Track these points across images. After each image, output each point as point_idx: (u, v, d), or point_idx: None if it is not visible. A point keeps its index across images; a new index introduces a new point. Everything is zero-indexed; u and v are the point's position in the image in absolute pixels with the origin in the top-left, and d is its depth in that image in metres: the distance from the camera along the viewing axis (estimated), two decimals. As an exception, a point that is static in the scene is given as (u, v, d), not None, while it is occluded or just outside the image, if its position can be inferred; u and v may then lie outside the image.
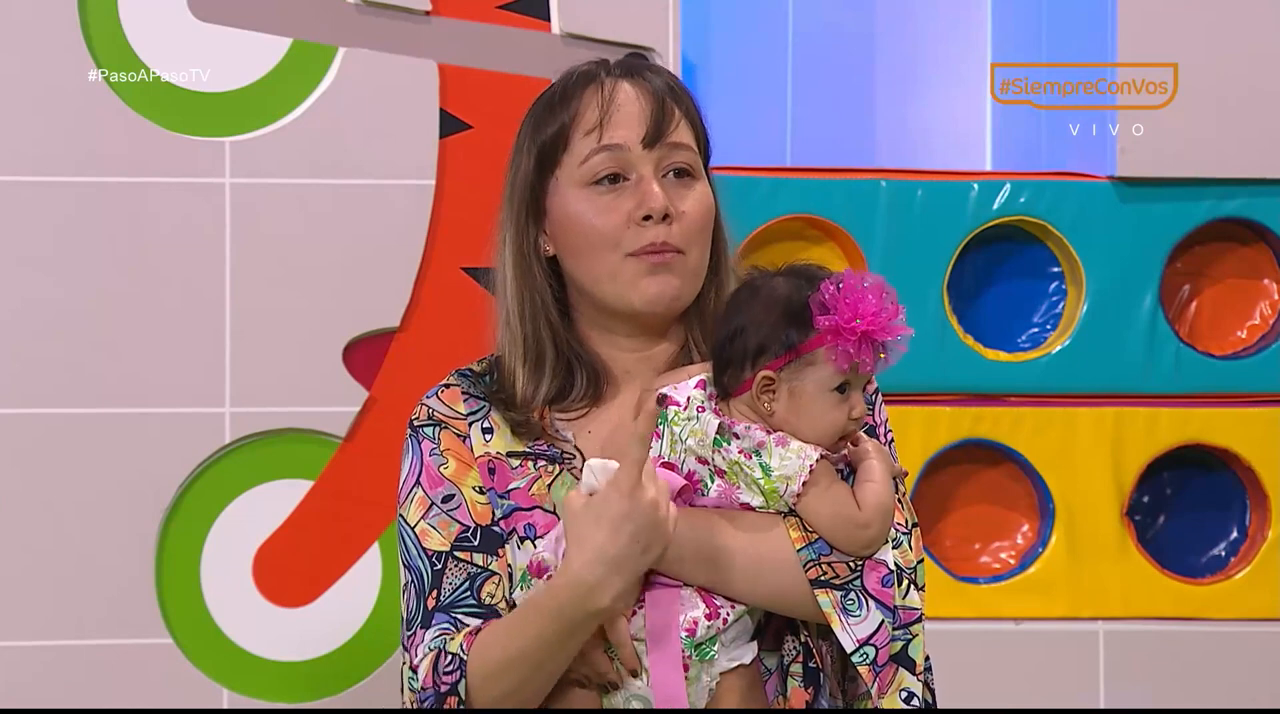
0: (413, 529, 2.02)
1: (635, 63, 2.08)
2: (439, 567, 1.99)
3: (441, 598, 1.98)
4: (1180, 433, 3.29)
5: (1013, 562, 3.33)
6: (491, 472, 2.02)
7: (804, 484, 1.89)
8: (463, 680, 1.92)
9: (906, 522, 2.00)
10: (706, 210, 2.04)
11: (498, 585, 1.98)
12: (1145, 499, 3.37)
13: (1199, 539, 3.38)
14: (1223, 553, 3.37)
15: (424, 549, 2.00)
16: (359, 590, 3.13)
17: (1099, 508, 3.28)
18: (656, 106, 2.03)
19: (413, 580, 2.01)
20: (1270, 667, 3.28)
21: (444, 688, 1.93)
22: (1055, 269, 3.32)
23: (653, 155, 2.02)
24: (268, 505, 3.12)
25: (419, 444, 2.04)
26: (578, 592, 1.86)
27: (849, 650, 1.89)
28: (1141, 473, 3.29)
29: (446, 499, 2.01)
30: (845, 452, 1.96)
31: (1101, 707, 3.24)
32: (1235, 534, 3.37)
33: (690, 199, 2.03)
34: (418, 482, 2.03)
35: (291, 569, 3.12)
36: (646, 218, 2.00)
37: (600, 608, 1.86)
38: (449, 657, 1.93)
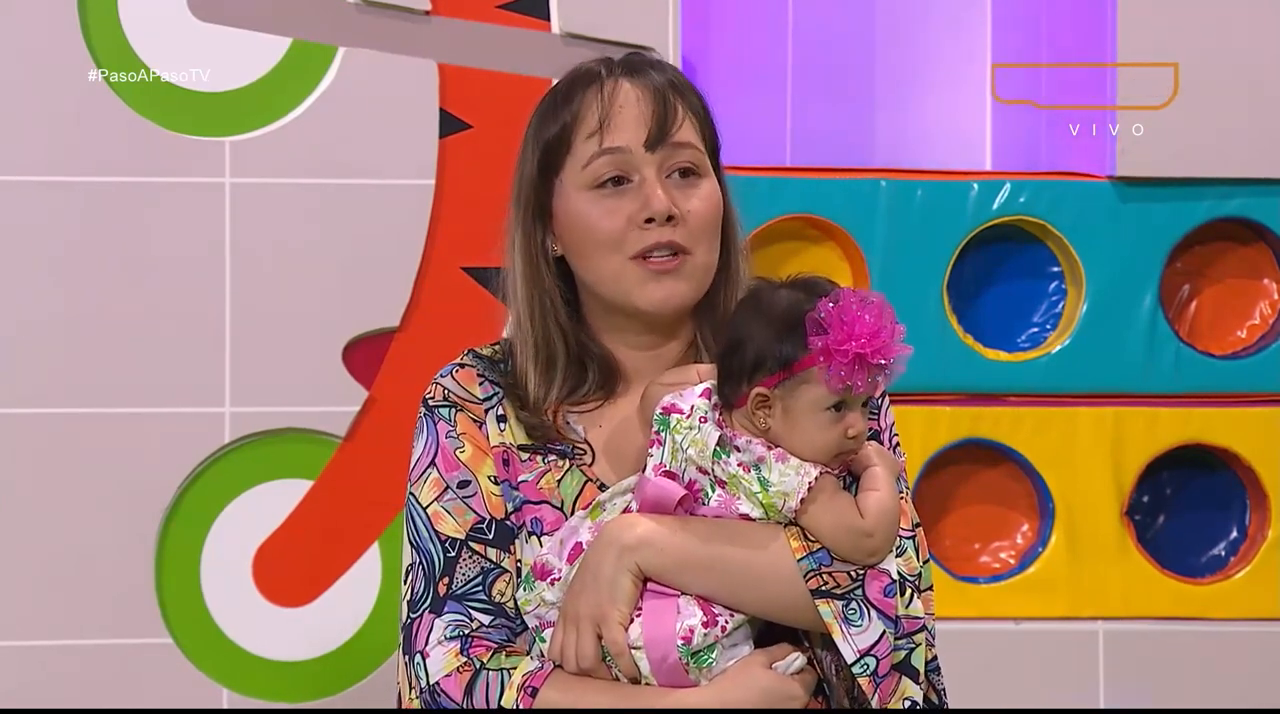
0: (425, 510, 2.00)
1: (638, 60, 2.06)
2: (452, 554, 1.97)
3: (454, 586, 1.96)
4: (1180, 433, 3.29)
5: (1013, 561, 3.33)
6: (505, 463, 2.01)
7: (802, 501, 1.88)
8: None
9: (910, 524, 1.98)
10: (714, 208, 2.03)
11: (508, 584, 1.97)
12: (1145, 499, 3.37)
13: (1199, 539, 3.38)
14: (1223, 553, 3.37)
15: (436, 533, 1.98)
16: (359, 590, 3.13)
17: (1099, 508, 3.27)
18: (659, 107, 2.01)
19: (421, 563, 1.98)
20: (1270, 667, 3.27)
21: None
22: (1055, 269, 3.32)
23: (655, 157, 2.00)
24: (268, 505, 3.12)
25: (434, 424, 2.02)
26: None
27: (849, 661, 1.88)
28: (1141, 473, 3.29)
29: (462, 485, 2.00)
30: (848, 460, 1.95)
31: (1101, 707, 3.24)
32: (1235, 534, 3.37)
33: (696, 198, 2.01)
34: (432, 462, 2.01)
35: (291, 569, 3.12)
36: (649, 220, 1.99)
37: None
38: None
